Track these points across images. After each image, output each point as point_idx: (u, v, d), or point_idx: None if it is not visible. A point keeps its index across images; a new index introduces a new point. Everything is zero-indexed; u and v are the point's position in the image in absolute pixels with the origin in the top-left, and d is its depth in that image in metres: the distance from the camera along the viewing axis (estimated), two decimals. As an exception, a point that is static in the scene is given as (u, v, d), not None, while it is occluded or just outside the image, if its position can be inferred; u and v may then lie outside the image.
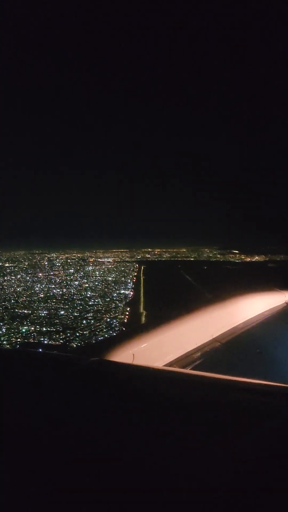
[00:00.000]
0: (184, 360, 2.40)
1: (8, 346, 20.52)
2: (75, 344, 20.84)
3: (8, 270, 53.11)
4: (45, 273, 50.60)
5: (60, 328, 24.31)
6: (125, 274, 49.22)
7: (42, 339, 22.68)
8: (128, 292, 36.42)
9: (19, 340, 22.67)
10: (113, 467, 0.69)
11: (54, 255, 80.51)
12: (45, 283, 42.28)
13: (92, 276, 47.96)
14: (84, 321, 26.24)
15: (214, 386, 1.31)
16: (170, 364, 2.33)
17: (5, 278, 46.01)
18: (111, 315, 27.80)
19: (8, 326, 25.11)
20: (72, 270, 53.39)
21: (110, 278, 45.97)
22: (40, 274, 49.01)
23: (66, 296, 35.09)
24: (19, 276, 48.14)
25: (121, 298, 34.17)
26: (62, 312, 28.75)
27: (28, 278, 46.27)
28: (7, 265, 60.12)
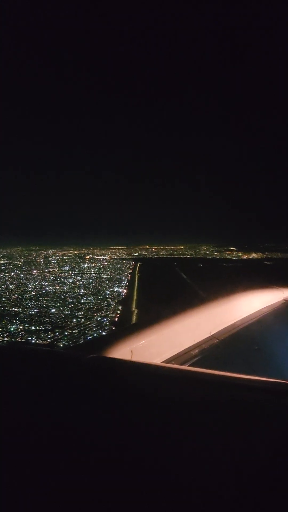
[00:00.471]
0: (182, 357, 2.40)
1: (4, 343, 20.40)
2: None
3: (2, 267, 52.88)
4: (39, 270, 50.40)
5: (49, 327, 24.03)
6: (120, 272, 48.98)
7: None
8: (122, 289, 36.25)
9: (13, 339, 22.46)
10: (111, 465, 0.69)
11: (50, 251, 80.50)
12: (38, 281, 42.05)
13: (87, 274, 47.74)
14: (74, 320, 25.93)
15: (213, 383, 1.30)
16: (169, 361, 2.33)
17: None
18: (101, 313, 27.48)
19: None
20: (67, 268, 53.07)
21: (105, 276, 45.71)
22: (34, 272, 48.85)
23: (58, 294, 34.86)
24: (13, 273, 47.96)
25: (114, 296, 33.95)
26: (53, 310, 28.51)
27: (22, 275, 46.12)
28: (2, 262, 59.90)
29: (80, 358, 1.56)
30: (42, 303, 31.14)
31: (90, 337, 21.26)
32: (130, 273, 45.56)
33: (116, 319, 25.03)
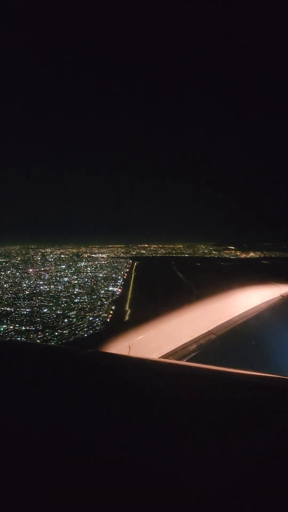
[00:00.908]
0: (180, 352, 2.41)
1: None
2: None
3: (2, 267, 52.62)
4: (36, 269, 50.11)
5: (39, 327, 23.64)
6: (118, 270, 48.76)
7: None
8: (119, 288, 35.91)
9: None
10: (110, 461, 0.68)
11: (48, 250, 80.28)
12: (33, 279, 41.74)
13: (83, 273, 47.45)
14: (66, 320, 25.56)
15: (210, 378, 1.30)
16: (166, 356, 2.33)
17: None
18: (94, 313, 27.15)
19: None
20: (64, 266, 52.78)
21: (101, 275, 45.38)
22: (30, 270, 48.55)
23: (52, 293, 34.50)
24: (8, 272, 47.63)
25: (109, 294, 33.60)
26: (45, 310, 28.13)
27: (18, 274, 45.81)
28: (1, 260, 59.59)
29: (78, 353, 1.54)
30: (38, 301, 30.80)
31: (87, 333, 20.92)
32: (127, 272, 45.34)
33: (113, 315, 24.70)
